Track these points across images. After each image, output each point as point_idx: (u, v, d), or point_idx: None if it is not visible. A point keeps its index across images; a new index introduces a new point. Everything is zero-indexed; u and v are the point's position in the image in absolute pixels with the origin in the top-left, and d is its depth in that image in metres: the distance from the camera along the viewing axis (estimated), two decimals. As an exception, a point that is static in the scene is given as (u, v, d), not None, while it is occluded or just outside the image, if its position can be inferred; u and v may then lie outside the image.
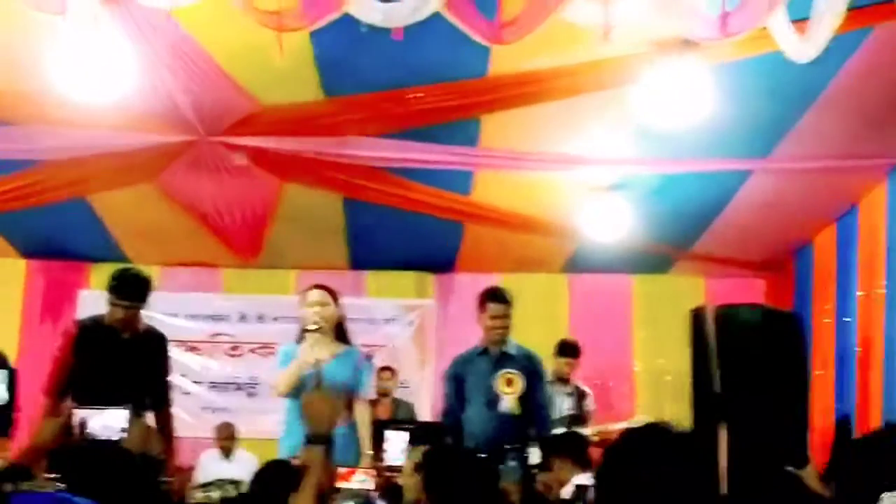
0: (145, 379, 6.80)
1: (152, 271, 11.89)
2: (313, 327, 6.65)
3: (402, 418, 9.97)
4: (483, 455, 5.49)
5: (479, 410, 7.16)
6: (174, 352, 11.86)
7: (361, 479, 5.95)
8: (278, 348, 7.52)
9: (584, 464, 6.44)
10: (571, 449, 6.59)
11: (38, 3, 5.34)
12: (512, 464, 6.60)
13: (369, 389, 7.15)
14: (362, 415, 6.91)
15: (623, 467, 2.25)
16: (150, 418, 6.79)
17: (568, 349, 10.04)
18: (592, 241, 10.05)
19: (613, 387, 11.67)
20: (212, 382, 12.02)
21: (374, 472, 6.13)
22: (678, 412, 11.11)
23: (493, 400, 7.08)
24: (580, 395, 9.96)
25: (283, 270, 11.99)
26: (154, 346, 7.02)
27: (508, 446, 6.79)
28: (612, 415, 11.04)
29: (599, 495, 2.31)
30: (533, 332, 10.80)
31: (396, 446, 7.27)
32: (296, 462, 5.73)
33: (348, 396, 6.69)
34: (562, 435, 8.38)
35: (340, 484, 5.76)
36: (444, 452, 4.39)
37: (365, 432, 6.85)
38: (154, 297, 6.95)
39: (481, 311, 7.29)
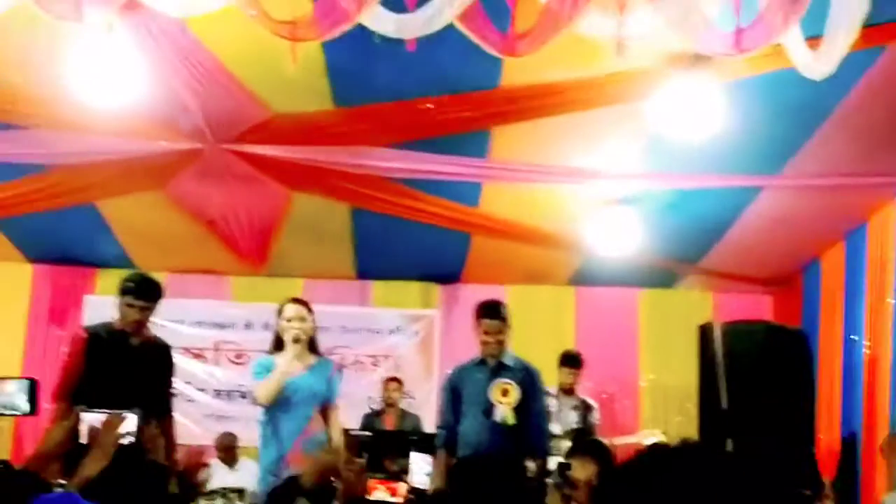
0: (151, 386, 6.80)
1: (159, 278, 12.02)
2: (296, 339, 6.81)
3: (407, 430, 9.95)
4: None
5: (474, 420, 7.18)
6: (179, 358, 11.95)
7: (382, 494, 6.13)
8: (256, 359, 7.66)
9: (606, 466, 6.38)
10: (598, 454, 6.52)
11: (56, 10, 5.34)
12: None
13: (340, 396, 7.30)
14: (336, 422, 7.13)
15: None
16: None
17: (570, 360, 10.03)
18: (600, 255, 10.03)
19: (619, 400, 11.65)
20: (216, 390, 12.01)
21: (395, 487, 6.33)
22: (684, 427, 11.15)
23: (488, 410, 7.10)
24: (586, 408, 9.94)
25: (290, 279, 11.98)
26: (160, 354, 7.06)
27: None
28: (617, 428, 11.03)
29: None
30: (539, 345, 10.81)
31: (421, 469, 7.37)
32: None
33: (322, 405, 6.94)
34: (591, 440, 8.38)
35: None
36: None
37: (338, 437, 7.06)
38: (162, 304, 6.98)
39: (476, 324, 7.32)
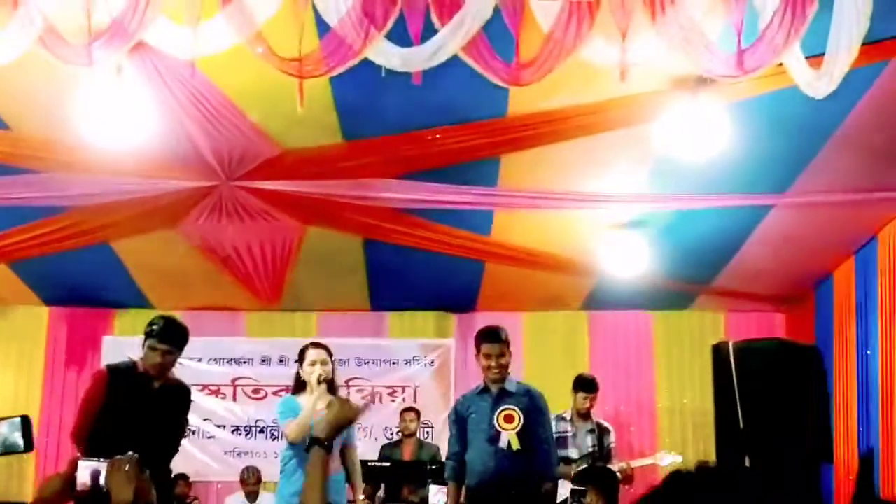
0: (164, 428, 6.75)
1: (174, 316, 12.07)
2: (321, 379, 7.03)
3: (426, 459, 9.97)
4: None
5: (480, 448, 7.18)
6: (198, 395, 12.01)
7: None
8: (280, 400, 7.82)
9: (612, 500, 6.45)
10: (603, 483, 6.60)
11: (66, 55, 5.43)
12: None
13: (357, 436, 7.51)
14: (354, 461, 7.28)
15: None
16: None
17: (585, 384, 9.99)
18: (612, 279, 10.07)
19: (635, 423, 11.66)
20: (234, 426, 12.04)
21: None
22: (701, 448, 11.15)
23: (494, 437, 7.11)
24: (602, 432, 9.92)
25: (304, 313, 12.06)
26: (181, 399, 7.00)
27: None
28: (635, 450, 11.04)
29: None
30: (554, 370, 10.86)
31: (439, 500, 7.46)
32: None
33: (342, 444, 7.03)
34: (595, 468, 8.39)
35: None
36: None
37: (358, 479, 7.28)
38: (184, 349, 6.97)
39: (477, 351, 7.34)
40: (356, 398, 11.93)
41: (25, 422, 6.43)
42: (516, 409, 7.10)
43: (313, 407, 6.88)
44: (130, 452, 4.77)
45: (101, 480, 4.60)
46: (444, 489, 7.61)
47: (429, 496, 7.96)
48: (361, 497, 6.87)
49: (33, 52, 5.40)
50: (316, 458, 3.79)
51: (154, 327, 6.67)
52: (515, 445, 7.04)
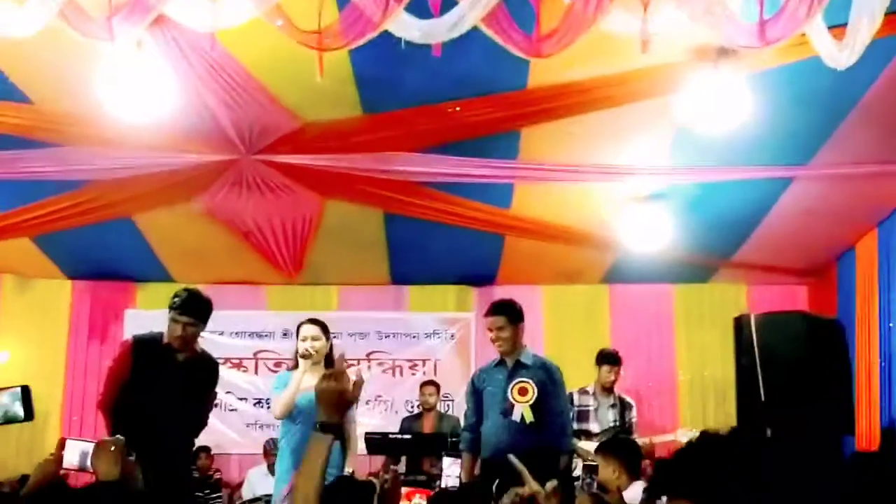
0: (189, 402, 6.77)
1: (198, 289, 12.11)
2: (306, 355, 7.08)
3: (446, 432, 9.99)
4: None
5: (494, 420, 7.24)
6: (219, 369, 12.06)
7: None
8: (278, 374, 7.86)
9: (634, 471, 6.42)
10: (624, 453, 6.56)
11: (87, 29, 5.43)
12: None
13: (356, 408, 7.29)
14: (350, 434, 7.15)
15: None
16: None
17: (608, 358, 9.98)
18: (633, 251, 10.04)
19: (657, 396, 11.65)
20: (256, 399, 12.08)
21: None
22: (722, 421, 11.13)
23: (507, 409, 7.14)
24: (624, 407, 9.92)
25: (325, 286, 12.08)
26: (207, 372, 6.98)
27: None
28: (656, 424, 11.04)
29: None
30: (574, 344, 10.86)
31: (453, 472, 7.48)
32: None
33: None
34: (618, 438, 8.38)
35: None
36: None
37: (352, 448, 7.11)
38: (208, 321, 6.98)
39: (487, 325, 7.39)
40: (375, 371, 12.01)
41: (25, 392, 6.52)
42: (531, 381, 7.13)
43: (297, 383, 6.95)
44: (118, 436, 4.83)
45: (88, 461, 4.67)
46: (458, 461, 7.65)
47: (443, 468, 7.97)
48: (349, 470, 6.89)
49: (54, 25, 5.41)
50: (314, 444, 3.53)
51: (176, 299, 6.71)
52: (529, 418, 7.07)
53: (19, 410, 7.14)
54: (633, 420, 9.95)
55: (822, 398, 8.02)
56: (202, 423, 6.98)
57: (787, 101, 6.99)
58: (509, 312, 7.31)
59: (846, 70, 5.46)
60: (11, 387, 7.31)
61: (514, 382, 7.17)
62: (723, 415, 11.14)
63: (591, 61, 6.49)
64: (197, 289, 7.07)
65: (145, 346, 6.84)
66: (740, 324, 8.44)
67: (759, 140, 7.40)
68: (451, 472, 7.72)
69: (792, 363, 8.06)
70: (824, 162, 8.07)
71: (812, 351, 8.15)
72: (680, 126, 7.34)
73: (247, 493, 10.94)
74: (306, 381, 7.00)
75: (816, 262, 11.03)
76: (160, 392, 6.53)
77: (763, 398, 8.06)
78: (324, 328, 7.23)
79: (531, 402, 7.10)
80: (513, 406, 7.12)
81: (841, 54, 5.39)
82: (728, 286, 11.77)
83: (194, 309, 6.73)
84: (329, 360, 7.19)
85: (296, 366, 7.20)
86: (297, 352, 7.23)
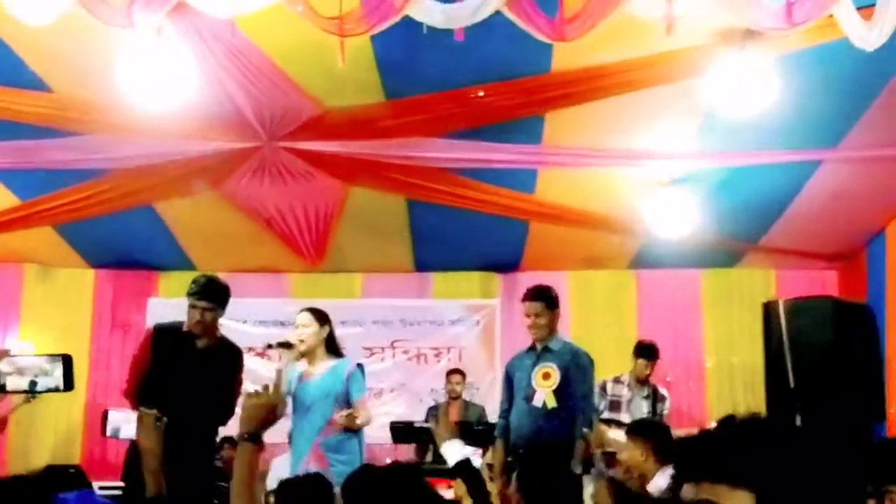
0: (213, 390, 6.74)
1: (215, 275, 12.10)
2: (290, 344, 7.11)
3: (472, 420, 9.95)
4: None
5: (519, 406, 7.27)
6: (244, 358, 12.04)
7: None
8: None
9: (663, 456, 6.30)
10: (655, 436, 6.42)
11: (107, 16, 5.40)
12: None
13: (364, 393, 7.38)
14: (364, 415, 7.18)
15: None
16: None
17: (646, 351, 9.94)
18: (659, 237, 9.96)
19: (684, 382, 11.57)
20: (281, 387, 12.05)
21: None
22: (751, 406, 11.00)
23: (530, 395, 7.15)
24: (656, 398, 9.86)
25: (348, 274, 12.04)
26: (229, 358, 6.96)
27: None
28: (683, 411, 10.98)
29: None
30: (600, 330, 10.79)
31: (453, 457, 7.42)
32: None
33: (346, 403, 7.07)
34: (648, 420, 8.32)
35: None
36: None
37: (361, 414, 7.12)
38: (227, 306, 6.98)
39: (524, 311, 7.38)
40: (400, 360, 11.98)
41: (67, 360, 6.55)
42: (554, 366, 7.13)
43: (279, 377, 6.76)
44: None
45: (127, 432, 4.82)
46: (477, 450, 7.62)
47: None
48: (344, 413, 6.92)
49: (74, 12, 5.38)
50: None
51: (193, 286, 6.77)
52: (551, 404, 7.05)
53: (60, 378, 7.13)
54: (665, 412, 9.89)
55: (852, 384, 7.95)
56: (229, 411, 6.93)
57: (814, 83, 6.90)
58: (547, 298, 7.30)
59: (875, 51, 5.38)
60: (54, 354, 7.31)
61: (538, 368, 7.17)
62: (751, 401, 11.07)
63: (615, 45, 6.42)
64: (214, 274, 7.06)
65: (166, 333, 6.88)
66: (769, 309, 8.38)
67: (787, 123, 7.31)
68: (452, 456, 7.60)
69: (821, 349, 8.00)
70: (853, 145, 7.98)
71: (842, 336, 8.09)
72: (706, 110, 7.27)
73: (271, 482, 10.89)
74: (300, 367, 7.13)
75: (845, 246, 10.91)
76: (182, 379, 6.57)
77: (792, 384, 7.99)
78: (318, 315, 7.20)
79: (554, 387, 7.08)
80: (535, 392, 7.11)
81: (869, 35, 5.31)
82: (756, 271, 11.66)
83: (212, 294, 6.75)
84: (332, 344, 7.21)
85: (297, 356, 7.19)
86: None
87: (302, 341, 7.07)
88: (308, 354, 7.12)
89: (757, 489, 2.04)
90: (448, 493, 6.58)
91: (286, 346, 7.10)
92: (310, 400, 6.99)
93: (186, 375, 6.58)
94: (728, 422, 2.18)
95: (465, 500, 4.20)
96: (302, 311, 7.27)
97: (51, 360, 7.31)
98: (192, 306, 6.72)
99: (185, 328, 6.80)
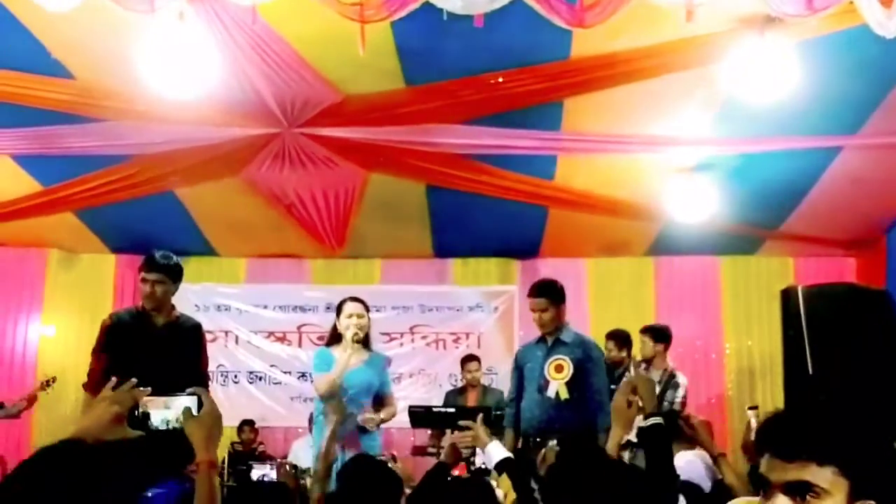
0: (181, 367, 6.49)
1: (240, 264, 12.12)
2: (356, 338, 7.04)
3: (490, 405, 9.96)
4: None
5: (531, 397, 7.27)
6: (264, 342, 12.08)
7: None
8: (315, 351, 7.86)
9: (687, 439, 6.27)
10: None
11: (128, 2, 5.43)
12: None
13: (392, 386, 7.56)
14: (392, 413, 7.27)
15: None
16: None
17: (649, 329, 9.80)
18: (678, 223, 9.95)
19: (703, 369, 11.57)
20: (300, 372, 12.10)
21: None
22: (769, 394, 11.03)
23: (543, 386, 7.16)
24: (667, 386, 9.70)
25: (368, 259, 12.08)
26: (188, 334, 6.83)
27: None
28: (701, 398, 10.98)
29: None
30: (619, 317, 10.77)
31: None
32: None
33: (377, 396, 7.20)
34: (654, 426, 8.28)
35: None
36: None
37: (384, 411, 7.21)
38: (245, 290, 6.93)
39: (530, 306, 7.40)
40: (419, 345, 12.03)
41: (200, 402, 6.49)
42: (567, 358, 7.14)
43: (345, 364, 6.94)
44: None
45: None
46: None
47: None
48: (374, 416, 7.03)
49: (95, -1, 5.41)
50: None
51: (144, 260, 6.68)
52: (564, 395, 7.07)
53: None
54: (678, 399, 9.58)
55: (872, 371, 7.92)
56: (198, 385, 6.84)
57: (834, 69, 6.89)
58: (552, 294, 7.30)
59: (895, 38, 5.36)
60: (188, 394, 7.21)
61: (550, 359, 7.19)
62: (770, 388, 11.07)
63: (634, 31, 6.43)
64: (167, 251, 6.96)
65: (122, 318, 6.78)
66: (788, 296, 8.35)
67: (807, 109, 7.29)
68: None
69: (840, 336, 7.97)
70: (873, 131, 7.97)
71: (860, 323, 8.05)
72: (726, 96, 7.26)
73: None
74: (335, 353, 7.09)
75: (865, 233, 10.89)
76: (142, 359, 6.31)
77: (811, 371, 7.97)
78: (366, 306, 7.23)
79: (566, 379, 7.10)
80: (548, 383, 7.13)
81: (890, 22, 5.31)
82: (775, 258, 11.65)
83: (161, 267, 6.64)
84: (367, 339, 7.24)
85: (332, 341, 7.21)
86: (334, 327, 7.22)
87: (362, 331, 7.08)
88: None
89: (847, 467, 2.08)
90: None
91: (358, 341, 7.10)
92: (352, 391, 7.01)
93: (147, 354, 6.41)
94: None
95: (510, 496, 4.24)
96: (352, 300, 7.23)
97: (189, 398, 7.27)
98: (142, 280, 6.62)
99: (140, 307, 6.71)
